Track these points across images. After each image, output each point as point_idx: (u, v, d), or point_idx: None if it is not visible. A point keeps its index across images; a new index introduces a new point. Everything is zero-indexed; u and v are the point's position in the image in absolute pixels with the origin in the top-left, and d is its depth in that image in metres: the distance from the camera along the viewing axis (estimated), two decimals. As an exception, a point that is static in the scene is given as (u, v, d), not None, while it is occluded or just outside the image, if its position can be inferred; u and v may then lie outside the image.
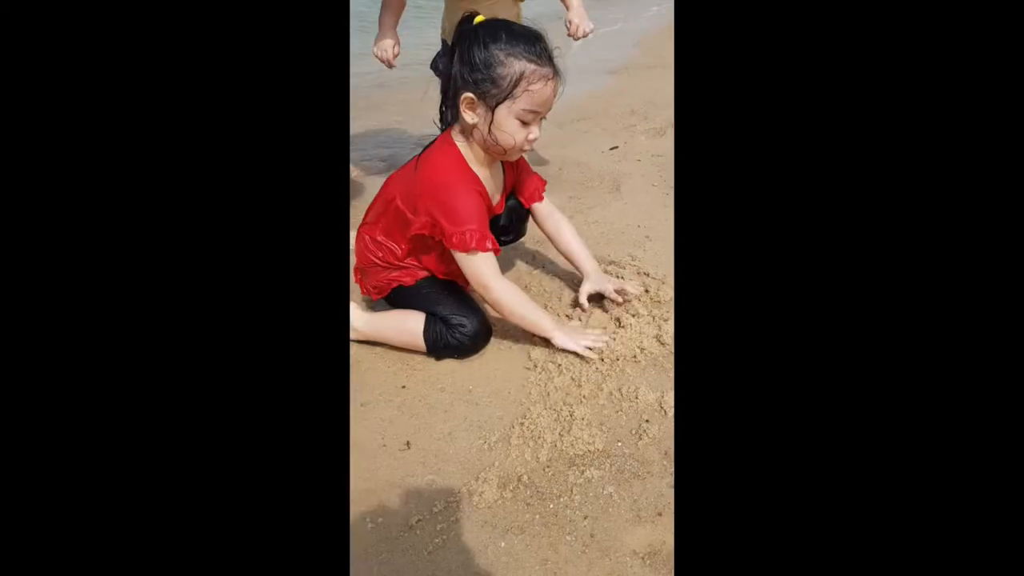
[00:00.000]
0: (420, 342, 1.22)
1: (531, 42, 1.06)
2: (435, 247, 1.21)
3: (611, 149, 2.25)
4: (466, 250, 1.11)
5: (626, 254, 1.56)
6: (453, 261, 1.17)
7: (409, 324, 1.23)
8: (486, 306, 1.28)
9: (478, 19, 1.11)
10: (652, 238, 1.66)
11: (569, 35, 1.65)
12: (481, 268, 1.13)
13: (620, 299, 1.33)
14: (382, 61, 1.67)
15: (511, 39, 1.05)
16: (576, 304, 1.35)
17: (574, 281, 1.43)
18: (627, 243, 1.64)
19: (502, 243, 1.38)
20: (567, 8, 1.70)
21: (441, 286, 1.26)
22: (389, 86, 3.09)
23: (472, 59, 1.06)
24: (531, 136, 1.11)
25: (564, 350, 1.19)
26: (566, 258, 1.40)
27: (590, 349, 1.18)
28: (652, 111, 2.66)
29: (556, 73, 1.08)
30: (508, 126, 1.08)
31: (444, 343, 1.20)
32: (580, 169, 2.12)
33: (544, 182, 1.37)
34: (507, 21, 1.11)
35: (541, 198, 1.36)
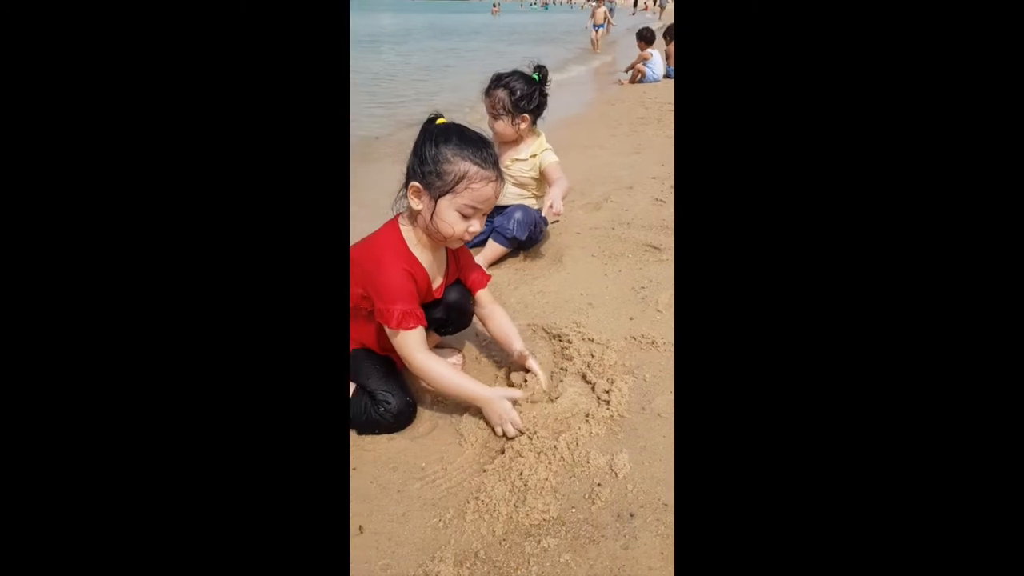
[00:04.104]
0: None
1: (479, 146, 1.17)
2: (373, 321, 1.24)
3: (552, 223, 2.37)
4: (391, 327, 1.17)
5: (571, 321, 1.63)
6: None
7: None
8: (420, 384, 1.31)
9: (439, 120, 1.21)
10: (594, 305, 1.74)
11: (546, 210, 1.98)
12: (405, 343, 1.18)
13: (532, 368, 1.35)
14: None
15: (461, 141, 1.16)
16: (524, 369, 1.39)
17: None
18: (571, 311, 1.71)
19: (442, 334, 1.44)
20: (550, 185, 2.06)
21: (372, 360, 1.28)
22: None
23: (423, 153, 1.16)
24: (471, 228, 1.19)
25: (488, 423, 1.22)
26: (496, 340, 1.44)
27: (514, 421, 1.19)
28: (588, 188, 2.84)
29: (499, 177, 1.19)
30: (448, 217, 1.17)
31: (367, 418, 1.22)
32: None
33: (488, 277, 1.43)
34: (462, 126, 1.22)
35: (483, 286, 1.42)
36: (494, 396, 1.20)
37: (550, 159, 2.10)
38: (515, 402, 1.21)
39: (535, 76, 2.06)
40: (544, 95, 2.09)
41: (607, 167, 3.24)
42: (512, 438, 1.19)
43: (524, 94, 2.02)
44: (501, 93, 2.02)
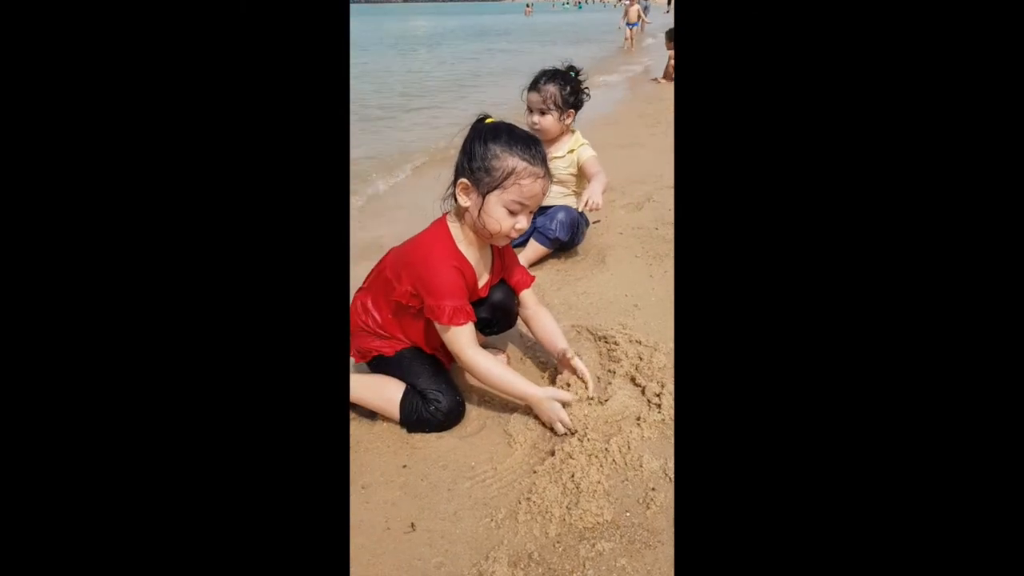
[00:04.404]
0: (395, 410, 1.25)
1: (528, 144, 1.17)
2: (421, 318, 1.25)
3: (593, 223, 2.35)
4: (442, 323, 1.17)
5: (616, 323, 1.61)
6: (439, 335, 1.22)
7: (388, 391, 1.26)
8: (468, 381, 1.30)
9: (488, 120, 1.22)
10: (640, 306, 1.71)
11: (584, 206, 1.98)
12: (456, 339, 1.19)
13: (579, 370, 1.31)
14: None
15: (510, 139, 1.16)
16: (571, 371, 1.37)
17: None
18: (616, 312, 1.69)
19: (487, 333, 1.44)
20: (588, 180, 2.06)
21: (421, 359, 1.29)
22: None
23: (472, 150, 1.17)
24: (518, 225, 1.19)
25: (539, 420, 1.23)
26: (540, 341, 1.42)
27: (563, 421, 1.18)
28: (629, 187, 2.81)
29: (547, 174, 1.18)
30: (496, 213, 1.17)
31: (418, 416, 1.23)
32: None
33: (532, 278, 1.42)
34: (511, 124, 1.23)
35: (527, 286, 1.41)
36: (544, 396, 1.20)
37: (588, 153, 2.10)
38: (565, 404, 1.21)
39: (572, 74, 2.09)
40: (586, 91, 2.10)
41: (647, 166, 3.20)
42: (562, 435, 1.18)
43: (574, 88, 2.04)
44: (552, 88, 2.03)
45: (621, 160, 3.34)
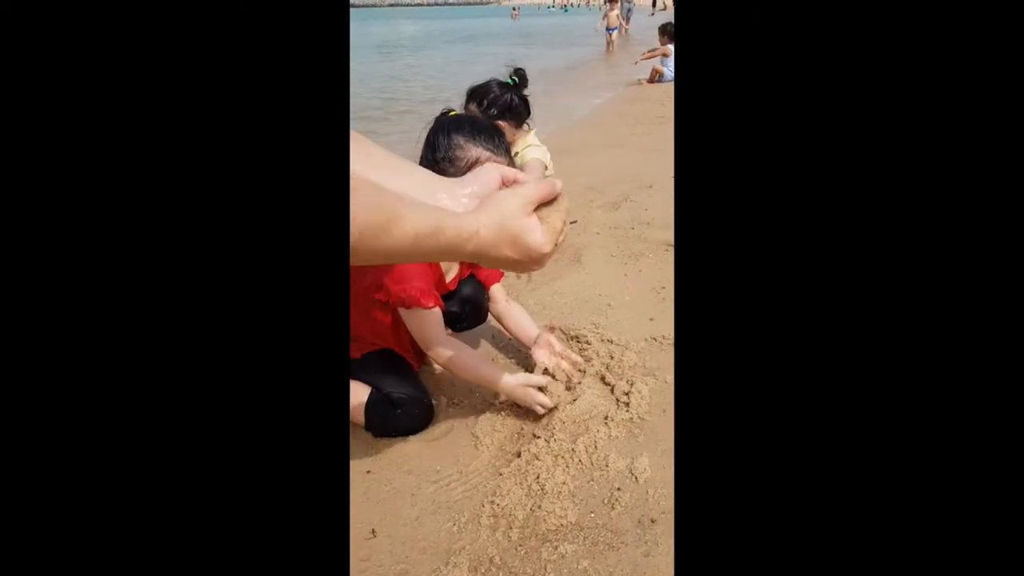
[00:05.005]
0: (359, 414, 1.22)
1: (491, 134, 1.17)
2: (389, 315, 1.23)
3: (570, 223, 2.34)
4: (408, 307, 1.16)
5: (589, 322, 1.59)
6: (408, 334, 1.21)
7: (354, 395, 1.24)
8: (436, 381, 1.28)
9: (451, 113, 1.22)
10: (613, 306, 1.70)
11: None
12: (425, 324, 1.17)
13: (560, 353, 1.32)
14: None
15: (473, 129, 1.16)
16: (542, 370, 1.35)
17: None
18: (590, 311, 1.68)
19: (457, 329, 1.42)
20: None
21: (388, 362, 1.27)
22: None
23: (436, 142, 1.16)
24: None
25: (516, 403, 1.23)
26: (514, 335, 1.43)
27: (542, 402, 1.20)
28: (607, 187, 2.81)
29: (510, 165, 1.17)
30: None
31: (384, 420, 1.21)
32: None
33: (502, 273, 1.42)
34: (474, 117, 1.22)
35: (497, 280, 1.41)
36: (516, 383, 1.20)
37: (531, 155, 2.03)
38: (540, 389, 1.20)
39: (512, 80, 1.98)
40: (520, 98, 1.98)
41: (627, 166, 3.20)
42: (542, 415, 1.20)
43: (490, 102, 1.94)
44: (471, 107, 1.97)
45: (601, 160, 3.34)
